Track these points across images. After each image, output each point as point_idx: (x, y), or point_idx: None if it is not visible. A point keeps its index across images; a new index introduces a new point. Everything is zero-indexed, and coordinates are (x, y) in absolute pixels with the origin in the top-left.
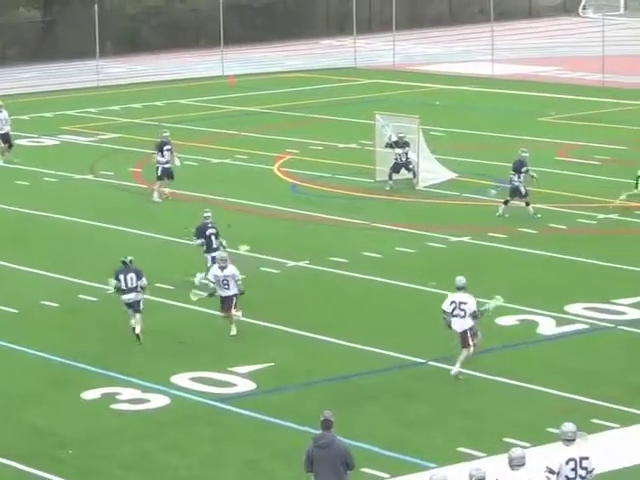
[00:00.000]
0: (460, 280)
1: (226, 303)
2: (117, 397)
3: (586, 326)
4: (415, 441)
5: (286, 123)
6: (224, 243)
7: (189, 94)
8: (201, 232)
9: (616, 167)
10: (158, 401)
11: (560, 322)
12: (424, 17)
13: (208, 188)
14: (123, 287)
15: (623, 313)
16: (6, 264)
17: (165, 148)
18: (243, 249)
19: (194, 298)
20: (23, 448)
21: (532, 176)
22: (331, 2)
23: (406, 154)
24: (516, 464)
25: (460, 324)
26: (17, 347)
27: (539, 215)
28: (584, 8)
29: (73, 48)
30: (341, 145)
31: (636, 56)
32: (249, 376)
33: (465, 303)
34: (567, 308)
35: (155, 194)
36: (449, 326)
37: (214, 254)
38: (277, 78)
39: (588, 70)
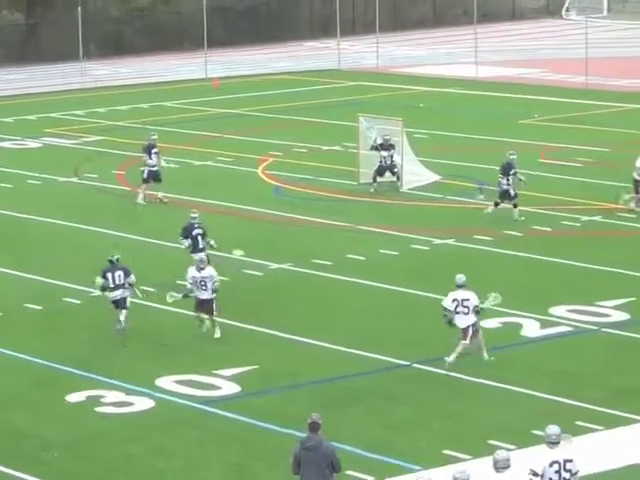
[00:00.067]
0: (460, 278)
1: (205, 306)
2: (101, 400)
3: (570, 328)
4: (399, 443)
5: (270, 125)
6: (212, 243)
7: (173, 96)
8: (187, 232)
9: (598, 169)
10: (143, 404)
11: (544, 324)
12: (407, 19)
13: (191, 191)
14: (111, 285)
15: (607, 315)
16: None
17: (153, 151)
18: (238, 254)
19: (170, 300)
20: (6, 450)
21: (520, 179)
22: (315, 4)
23: (391, 157)
24: (501, 466)
25: (464, 320)
26: (0, 350)
27: (523, 218)
28: (567, 10)
29: (57, 51)
30: (325, 147)
31: (619, 58)
32: (233, 379)
33: (468, 300)
34: (551, 310)
35: (140, 196)
36: (449, 323)
37: (201, 254)
38: (261, 80)
39: (571, 72)
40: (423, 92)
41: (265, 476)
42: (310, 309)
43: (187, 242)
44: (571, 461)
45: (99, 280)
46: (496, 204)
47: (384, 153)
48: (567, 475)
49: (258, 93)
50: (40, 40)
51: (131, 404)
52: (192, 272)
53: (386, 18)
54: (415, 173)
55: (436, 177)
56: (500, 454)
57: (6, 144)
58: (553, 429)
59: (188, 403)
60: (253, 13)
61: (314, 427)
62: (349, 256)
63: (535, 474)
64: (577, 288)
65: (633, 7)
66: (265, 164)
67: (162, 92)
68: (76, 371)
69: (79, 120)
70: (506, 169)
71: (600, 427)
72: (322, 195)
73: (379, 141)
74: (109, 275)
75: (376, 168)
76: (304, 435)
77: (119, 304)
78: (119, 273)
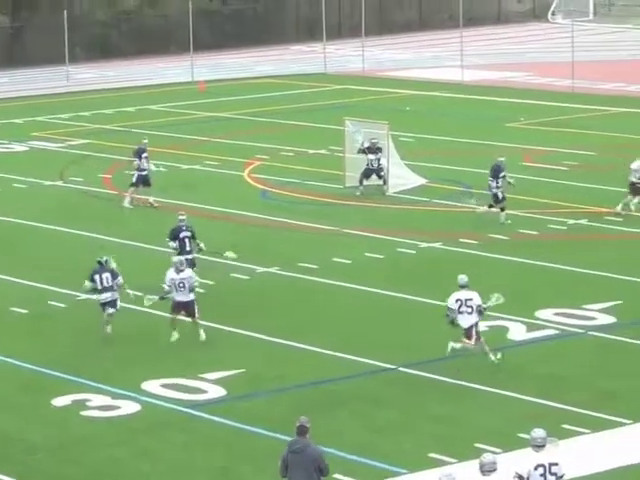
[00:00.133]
0: (462, 278)
1: (184, 308)
2: (87, 404)
3: (556, 332)
4: (384, 447)
5: (256, 129)
6: (202, 245)
7: (159, 100)
8: (175, 234)
9: (584, 172)
10: (129, 408)
11: (530, 328)
12: (394, 23)
13: (178, 194)
14: (99, 287)
15: (593, 318)
16: None
17: (143, 155)
18: (230, 256)
19: (147, 303)
20: None
21: (509, 182)
22: (301, 8)
23: (378, 160)
24: (487, 470)
25: (468, 320)
26: None
27: (509, 221)
28: (553, 14)
29: (42, 54)
30: (311, 151)
31: (605, 62)
32: (219, 382)
33: (471, 299)
34: (537, 314)
35: (126, 200)
36: (452, 323)
37: (180, 256)
38: (247, 84)
39: (557, 76)
40: (409, 95)
41: None
42: (296, 313)
43: (174, 244)
44: (557, 464)
45: (87, 284)
46: (490, 206)
47: (371, 156)
48: (552, 478)
49: (244, 96)
50: (26, 43)
51: (117, 408)
52: (171, 274)
53: (372, 22)
54: (401, 177)
55: (422, 180)
56: (486, 457)
57: None
58: (539, 432)
59: (174, 407)
60: (239, 16)
61: (302, 430)
62: (335, 260)
63: (520, 477)
64: (563, 291)
65: (619, 11)
66: (251, 167)
67: (148, 95)
68: (62, 375)
69: (65, 124)
70: (495, 172)
71: (586, 430)
72: (308, 199)
73: (366, 144)
74: (97, 277)
75: (362, 171)
76: (291, 439)
77: (107, 306)
78: (106, 275)
